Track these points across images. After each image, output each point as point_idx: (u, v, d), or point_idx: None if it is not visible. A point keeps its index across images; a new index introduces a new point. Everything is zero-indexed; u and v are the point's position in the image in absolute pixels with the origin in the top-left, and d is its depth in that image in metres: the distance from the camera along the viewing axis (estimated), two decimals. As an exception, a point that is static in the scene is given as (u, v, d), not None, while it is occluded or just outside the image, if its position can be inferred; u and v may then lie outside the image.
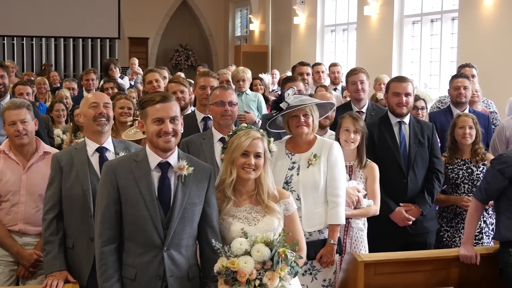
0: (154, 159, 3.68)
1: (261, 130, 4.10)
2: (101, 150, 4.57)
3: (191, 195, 3.71)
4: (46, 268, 4.46)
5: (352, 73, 6.80)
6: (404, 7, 12.93)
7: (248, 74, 8.67)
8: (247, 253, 3.55)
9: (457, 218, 5.83)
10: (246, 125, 4.66)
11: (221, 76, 8.41)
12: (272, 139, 4.12)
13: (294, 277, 3.73)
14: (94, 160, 4.56)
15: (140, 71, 13.56)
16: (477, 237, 5.70)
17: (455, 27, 11.22)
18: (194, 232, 3.83)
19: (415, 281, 4.00)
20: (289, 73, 9.03)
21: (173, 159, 3.69)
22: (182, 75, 10.55)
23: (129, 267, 3.72)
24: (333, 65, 10.70)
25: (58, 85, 13.37)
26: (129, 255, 3.74)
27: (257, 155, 3.86)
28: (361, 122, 5.37)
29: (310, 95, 5.71)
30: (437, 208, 6.00)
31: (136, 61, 14.59)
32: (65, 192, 4.48)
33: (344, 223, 5.00)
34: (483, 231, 5.77)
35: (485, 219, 5.76)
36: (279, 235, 3.71)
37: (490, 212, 5.79)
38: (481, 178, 5.67)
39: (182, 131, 4.37)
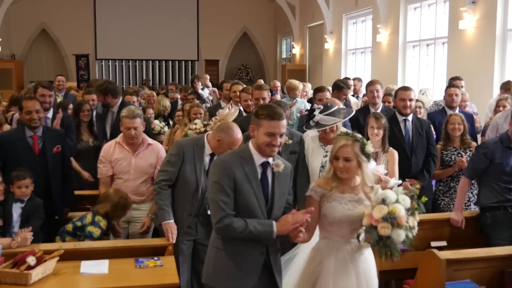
0: (258, 158, 3.44)
1: (357, 135, 3.67)
2: (212, 156, 4.52)
3: (282, 186, 3.54)
4: (161, 218, 4.46)
5: (371, 84, 6.75)
6: (407, 35, 12.83)
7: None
8: (397, 201, 3.41)
9: (450, 190, 5.82)
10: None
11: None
12: (369, 142, 3.70)
13: (419, 213, 3.54)
14: (207, 159, 4.55)
15: (209, 83, 13.30)
16: (466, 204, 5.65)
17: (445, 49, 11.14)
18: (281, 214, 3.56)
19: (416, 236, 4.11)
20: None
21: (270, 158, 3.49)
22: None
23: (238, 243, 3.46)
24: (356, 79, 10.88)
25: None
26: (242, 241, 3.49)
27: (346, 159, 3.55)
28: (382, 120, 5.30)
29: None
30: (434, 183, 5.98)
31: (208, 76, 14.17)
32: (181, 174, 4.50)
33: None
34: (471, 200, 5.74)
35: (472, 190, 5.71)
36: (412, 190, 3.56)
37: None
38: (468, 161, 5.74)
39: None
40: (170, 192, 4.54)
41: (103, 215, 4.69)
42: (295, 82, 8.79)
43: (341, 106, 5.69)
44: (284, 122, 3.43)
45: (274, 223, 3.37)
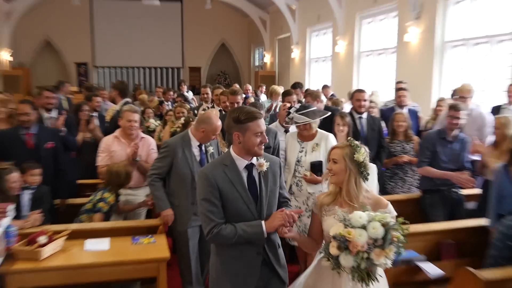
0: (241, 162, 3.03)
1: (356, 142, 3.09)
2: (200, 147, 4.48)
3: (270, 183, 3.09)
4: (158, 208, 4.43)
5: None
6: (361, 46, 12.97)
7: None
8: (364, 227, 2.69)
9: (395, 176, 5.87)
10: None
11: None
12: (362, 150, 3.05)
13: (398, 256, 2.76)
14: (196, 151, 4.46)
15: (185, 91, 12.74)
16: (408, 188, 5.78)
17: (394, 58, 11.25)
18: (275, 209, 3.15)
19: None
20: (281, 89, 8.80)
21: (254, 159, 3.07)
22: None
23: (234, 247, 3.05)
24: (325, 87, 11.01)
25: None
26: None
27: (334, 161, 3.05)
28: (346, 118, 5.35)
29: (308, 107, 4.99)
30: (384, 170, 6.02)
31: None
32: (175, 169, 4.41)
33: None
34: (413, 184, 5.79)
35: (413, 176, 5.79)
36: (396, 222, 2.76)
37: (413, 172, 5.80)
38: (410, 152, 5.81)
39: None
40: (162, 184, 4.47)
41: (110, 189, 4.71)
42: (277, 87, 8.90)
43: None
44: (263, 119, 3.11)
45: (262, 222, 3.00)
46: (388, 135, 6.08)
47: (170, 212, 4.40)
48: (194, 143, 4.50)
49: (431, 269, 4.17)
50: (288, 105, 5.48)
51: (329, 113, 5.12)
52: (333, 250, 2.75)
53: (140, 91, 12.53)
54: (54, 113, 6.62)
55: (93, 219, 4.61)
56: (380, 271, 2.84)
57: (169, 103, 10.19)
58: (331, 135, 4.93)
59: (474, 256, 4.29)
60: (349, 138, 3.17)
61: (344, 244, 2.70)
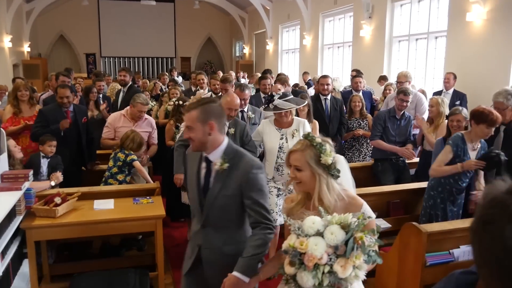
0: (204, 153, 2.40)
1: (317, 139, 2.09)
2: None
3: (225, 187, 2.31)
4: (175, 169, 4.17)
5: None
6: (324, 39, 12.89)
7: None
8: (320, 234, 1.80)
9: (352, 147, 5.87)
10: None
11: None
12: (327, 148, 2.07)
13: (373, 265, 1.89)
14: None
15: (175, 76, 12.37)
16: (364, 157, 5.78)
17: (351, 50, 11.22)
18: (233, 218, 2.35)
19: None
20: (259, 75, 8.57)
21: (213, 155, 2.34)
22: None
23: (191, 230, 2.56)
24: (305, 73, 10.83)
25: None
26: (193, 222, 2.54)
27: (296, 168, 2.08)
28: (306, 100, 4.95)
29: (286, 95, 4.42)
30: (343, 142, 6.02)
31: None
32: None
33: None
34: (367, 154, 5.82)
35: (368, 147, 5.80)
36: (358, 219, 1.84)
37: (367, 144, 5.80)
38: (364, 127, 5.80)
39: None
40: (184, 151, 3.91)
41: (123, 152, 4.59)
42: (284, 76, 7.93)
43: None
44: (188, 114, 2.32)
45: None
46: (346, 114, 6.05)
47: (181, 176, 4.21)
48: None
49: (381, 224, 4.19)
50: (281, 89, 5.22)
51: (306, 102, 4.63)
52: (287, 268, 1.85)
53: (138, 76, 12.33)
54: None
55: (135, 165, 4.55)
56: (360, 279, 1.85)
57: (164, 86, 9.99)
58: (305, 121, 4.43)
59: (416, 213, 4.32)
60: (308, 133, 2.16)
61: (298, 258, 1.80)
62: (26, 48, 17.04)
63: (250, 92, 4.99)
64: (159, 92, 8.61)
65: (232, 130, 4.14)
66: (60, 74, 6.23)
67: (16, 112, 5.36)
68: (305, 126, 4.33)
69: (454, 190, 3.85)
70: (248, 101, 4.89)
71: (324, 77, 6.01)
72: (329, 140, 2.15)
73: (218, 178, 2.34)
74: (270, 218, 2.32)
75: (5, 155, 3.77)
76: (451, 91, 6.76)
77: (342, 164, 2.17)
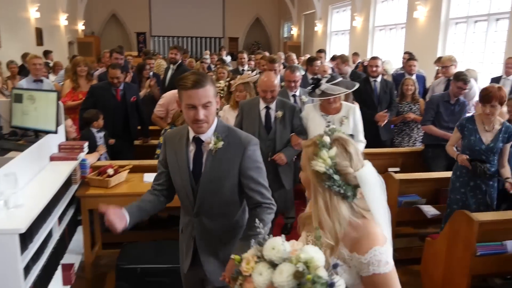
0: (191, 133, 2.11)
1: (320, 139, 1.53)
2: (267, 108, 3.89)
3: (220, 168, 2.07)
4: None
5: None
6: (376, 21, 12.50)
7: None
8: (273, 265, 1.34)
9: (402, 132, 5.68)
10: None
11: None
12: (325, 154, 1.45)
13: None
14: (263, 113, 3.87)
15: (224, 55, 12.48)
16: (413, 143, 5.61)
17: (403, 32, 10.84)
18: (228, 202, 2.14)
19: (377, 164, 3.92)
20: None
21: (205, 135, 2.08)
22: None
23: (181, 223, 2.31)
24: (355, 54, 10.57)
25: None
26: (181, 213, 2.31)
27: (301, 167, 1.60)
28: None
29: (334, 78, 3.86)
30: (392, 127, 5.82)
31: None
32: (244, 128, 3.80)
33: None
34: (417, 139, 5.63)
35: (418, 132, 5.61)
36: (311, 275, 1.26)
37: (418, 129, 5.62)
38: (416, 112, 5.61)
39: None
40: None
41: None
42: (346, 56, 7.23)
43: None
44: (203, 89, 1.99)
45: None
46: (397, 97, 5.86)
47: None
48: (262, 105, 3.87)
49: (430, 210, 4.10)
50: (328, 70, 5.01)
51: (358, 85, 3.96)
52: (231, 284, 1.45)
53: (185, 55, 12.45)
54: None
55: None
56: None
57: (212, 66, 10.10)
58: (356, 107, 3.94)
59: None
60: (328, 128, 1.59)
61: (239, 275, 1.40)
62: (80, 26, 17.63)
63: (301, 74, 4.69)
64: (206, 71, 8.72)
65: (279, 113, 3.86)
66: (114, 51, 6.39)
67: (75, 86, 5.59)
68: (355, 113, 3.86)
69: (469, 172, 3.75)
70: (299, 83, 4.58)
71: (374, 58, 5.84)
72: (347, 142, 1.50)
73: (211, 159, 2.08)
74: (270, 197, 2.15)
75: (62, 126, 3.95)
76: (511, 77, 6.41)
77: (370, 185, 1.47)
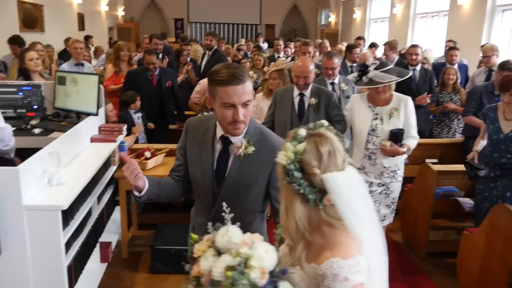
0: (219, 131, 1.87)
1: (296, 131, 1.35)
2: (301, 96, 3.75)
3: (247, 175, 1.84)
4: None
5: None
6: (417, 8, 12.12)
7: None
8: (217, 251, 1.31)
9: (441, 123, 5.53)
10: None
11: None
12: (291, 147, 1.30)
13: None
14: (296, 100, 3.74)
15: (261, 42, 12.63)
16: (453, 134, 5.48)
17: (446, 20, 10.46)
18: (249, 211, 1.90)
19: (415, 154, 3.78)
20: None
21: (237, 137, 1.85)
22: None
23: (193, 221, 2.06)
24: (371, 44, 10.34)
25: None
26: (196, 211, 2.06)
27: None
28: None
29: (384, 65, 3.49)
30: (431, 117, 5.63)
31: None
32: (277, 116, 3.81)
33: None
34: (457, 130, 5.49)
35: (458, 123, 5.46)
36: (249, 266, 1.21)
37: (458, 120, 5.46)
38: (457, 102, 5.46)
39: None
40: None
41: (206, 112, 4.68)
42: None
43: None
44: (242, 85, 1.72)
45: None
46: (438, 87, 5.69)
47: None
48: (295, 92, 3.73)
49: (468, 203, 4.00)
50: (370, 58, 4.88)
51: (411, 73, 3.67)
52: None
53: (222, 42, 12.47)
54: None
55: None
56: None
57: (248, 53, 10.10)
58: (409, 99, 3.51)
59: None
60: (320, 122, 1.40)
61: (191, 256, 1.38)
62: (120, 12, 17.98)
63: (339, 60, 4.46)
64: (241, 58, 8.72)
65: (314, 100, 3.70)
66: (153, 37, 6.47)
67: (117, 71, 5.72)
68: (407, 105, 3.46)
69: (494, 165, 3.56)
70: (337, 70, 4.33)
71: (413, 46, 5.67)
72: (324, 141, 1.32)
73: (239, 164, 1.86)
74: None
75: (103, 109, 4.06)
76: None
77: (341, 193, 1.27)
